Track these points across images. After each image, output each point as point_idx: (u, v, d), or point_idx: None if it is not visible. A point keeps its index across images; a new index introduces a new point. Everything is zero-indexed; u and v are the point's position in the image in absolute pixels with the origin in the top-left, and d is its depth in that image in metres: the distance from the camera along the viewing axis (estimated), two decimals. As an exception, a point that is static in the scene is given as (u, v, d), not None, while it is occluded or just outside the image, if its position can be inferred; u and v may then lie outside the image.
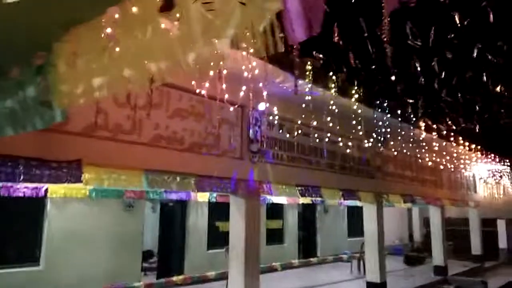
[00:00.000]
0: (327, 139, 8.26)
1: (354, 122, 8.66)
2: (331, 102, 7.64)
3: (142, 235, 11.26)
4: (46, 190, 9.27)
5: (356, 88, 8.01)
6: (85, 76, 1.56)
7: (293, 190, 8.12)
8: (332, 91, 7.53)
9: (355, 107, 8.28)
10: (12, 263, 8.92)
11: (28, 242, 9.35)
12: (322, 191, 8.84)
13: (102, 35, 1.47)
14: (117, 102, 5.60)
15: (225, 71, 5.38)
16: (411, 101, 8.78)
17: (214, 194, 11.63)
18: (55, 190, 9.41)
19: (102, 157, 5.35)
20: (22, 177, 4.57)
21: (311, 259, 15.84)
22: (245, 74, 5.71)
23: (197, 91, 5.27)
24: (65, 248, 9.58)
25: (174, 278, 11.19)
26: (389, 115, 9.17)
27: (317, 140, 8.25)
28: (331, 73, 7.42)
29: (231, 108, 6.37)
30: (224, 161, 6.96)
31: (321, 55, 6.54)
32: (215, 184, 6.73)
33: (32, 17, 1.51)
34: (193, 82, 5.27)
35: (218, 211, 12.50)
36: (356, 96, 8.14)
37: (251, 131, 7.40)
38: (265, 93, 5.98)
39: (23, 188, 8.98)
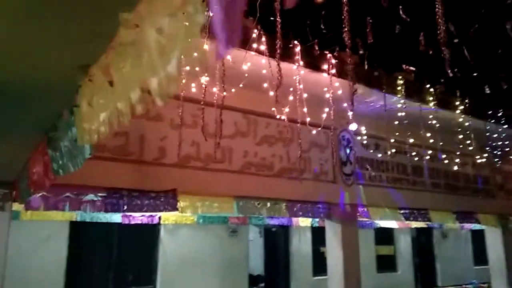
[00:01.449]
0: (428, 157, 7.58)
1: (461, 136, 7.81)
2: (431, 116, 7.03)
3: (247, 259, 11.50)
4: (159, 218, 10.15)
5: (460, 99, 7.25)
6: (97, 112, 1.72)
7: (395, 213, 7.57)
8: (431, 104, 6.94)
9: (460, 119, 7.49)
10: (131, 286, 9.83)
11: (146, 266, 10.24)
12: (431, 214, 8.07)
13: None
14: (207, 133, 5.94)
15: (305, 95, 5.40)
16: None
17: (316, 219, 11.43)
18: (167, 217, 10.24)
19: (195, 185, 5.69)
20: (125, 207, 5.09)
21: (430, 288, 14.37)
22: (328, 95, 5.64)
23: (283, 117, 5.34)
24: (177, 272, 10.25)
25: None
26: (505, 126, 8.07)
27: (419, 159, 7.62)
28: (427, 86, 6.85)
29: (317, 131, 6.31)
30: (316, 185, 6.83)
31: (411, 68, 6.11)
32: (308, 209, 6.63)
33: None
34: (278, 109, 5.36)
35: (322, 236, 12.20)
36: (461, 107, 7.36)
37: (342, 152, 7.17)
38: (350, 113, 5.80)
39: (140, 217, 9.96)
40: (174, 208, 5.37)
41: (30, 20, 1.42)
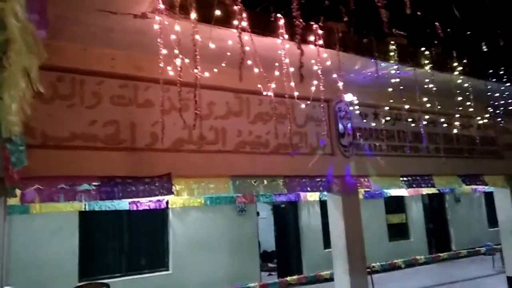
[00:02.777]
0: (427, 122, 7.44)
1: (461, 98, 7.62)
2: (427, 80, 6.85)
3: (257, 237, 11.64)
4: (167, 202, 10.29)
5: (457, 59, 7.03)
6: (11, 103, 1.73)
7: (397, 181, 7.51)
8: (427, 67, 6.76)
9: (459, 81, 7.29)
10: (146, 269, 10.08)
11: (157, 250, 10.45)
12: (435, 179, 7.99)
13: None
14: (200, 115, 5.91)
15: (292, 69, 5.30)
16: (535, 63, 7.37)
17: (325, 193, 11.45)
18: (175, 201, 10.38)
19: (190, 168, 5.70)
20: (120, 194, 5.14)
21: (443, 254, 14.38)
22: (316, 67, 5.54)
23: (270, 93, 5.27)
24: (188, 253, 10.46)
25: (288, 278, 11.30)
26: (507, 84, 7.83)
27: (419, 124, 7.49)
28: (422, 49, 6.65)
29: (313, 105, 6.23)
30: (314, 159, 6.78)
31: (401, 32, 5.92)
32: (306, 184, 6.61)
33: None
34: (265, 86, 5.30)
35: (331, 209, 12.23)
36: (460, 68, 7.15)
37: (340, 124, 7.09)
38: (341, 84, 5.71)
39: (147, 202, 10.11)
40: (170, 192, 5.40)
41: None
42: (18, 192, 4.49)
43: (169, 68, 4.45)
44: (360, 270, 6.90)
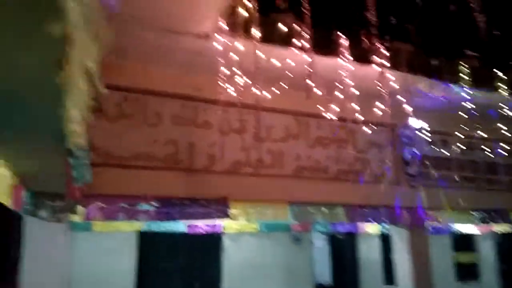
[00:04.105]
0: (504, 151, 6.77)
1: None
2: (503, 105, 6.28)
3: (312, 268, 11.14)
4: (223, 227, 10.21)
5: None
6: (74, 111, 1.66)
7: (469, 216, 6.84)
8: (503, 92, 6.20)
9: (542, 107, 6.60)
10: (198, 294, 9.93)
11: (211, 274, 10.30)
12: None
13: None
14: (257, 138, 5.82)
15: (355, 90, 5.08)
16: None
17: (385, 225, 10.80)
18: (230, 226, 10.27)
19: (247, 192, 5.58)
20: (177, 216, 5.12)
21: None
22: (380, 89, 5.26)
23: (334, 116, 5.09)
24: (241, 279, 10.19)
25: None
26: None
27: (494, 154, 6.84)
28: (497, 71, 6.12)
29: (375, 129, 5.92)
30: (377, 188, 6.37)
31: (475, 53, 5.50)
32: (368, 214, 6.21)
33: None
34: (327, 108, 5.12)
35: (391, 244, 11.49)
36: (543, 93, 6.48)
37: (405, 151, 6.65)
38: (408, 107, 5.36)
39: (204, 226, 10.10)
40: (226, 215, 5.30)
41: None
42: (81, 209, 4.60)
43: (228, 88, 4.41)
44: (428, 312, 6.27)
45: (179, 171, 5.26)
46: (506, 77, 6.14)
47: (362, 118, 5.18)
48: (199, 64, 5.10)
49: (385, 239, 11.65)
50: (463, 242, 13.07)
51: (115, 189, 4.90)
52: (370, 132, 6.01)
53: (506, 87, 6.14)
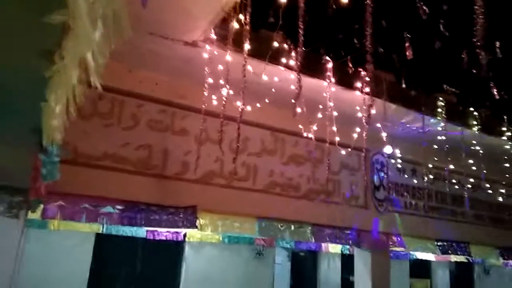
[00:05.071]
0: (470, 186, 7.01)
1: (508, 165, 7.19)
2: (474, 142, 6.51)
3: (273, 283, 11.07)
4: (184, 235, 9.99)
5: (507, 124, 6.69)
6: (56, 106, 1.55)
7: (432, 245, 7.00)
8: (474, 129, 6.43)
9: (507, 147, 6.90)
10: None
11: (168, 282, 10.03)
12: (471, 248, 7.43)
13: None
14: (232, 149, 5.73)
15: (336, 113, 5.11)
16: None
17: (347, 246, 10.90)
18: (192, 234, 10.05)
19: (217, 203, 5.48)
20: (143, 222, 4.93)
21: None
22: (360, 115, 5.32)
23: (311, 136, 5.10)
24: (200, 291, 9.98)
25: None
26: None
27: (461, 187, 7.06)
28: (471, 108, 6.37)
29: (349, 153, 5.97)
30: (346, 210, 6.44)
31: (453, 89, 5.69)
32: (335, 235, 6.24)
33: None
34: (306, 127, 5.12)
35: (352, 264, 11.60)
36: (509, 134, 6.78)
37: (375, 177, 6.76)
38: (384, 135, 5.45)
39: (165, 233, 9.84)
40: (193, 225, 5.17)
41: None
42: (40, 207, 4.35)
43: (212, 98, 4.34)
44: (384, 338, 6.33)
45: (150, 176, 5.10)
46: (478, 115, 6.39)
47: (338, 140, 5.21)
48: (184, 71, 4.99)
49: (346, 260, 11.78)
50: (419, 268, 13.40)
51: (80, 189, 4.68)
52: (344, 154, 6.06)
53: (477, 125, 6.38)
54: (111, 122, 4.90)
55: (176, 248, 10.30)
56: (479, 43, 3.10)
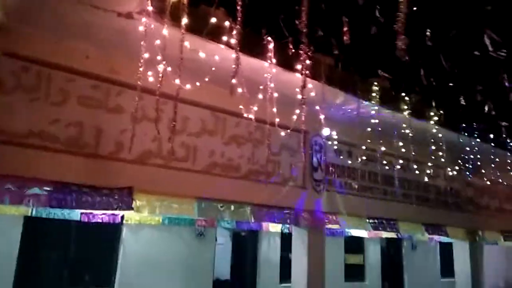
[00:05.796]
0: (402, 166, 7.44)
1: (435, 147, 7.70)
2: (404, 125, 6.88)
3: (213, 263, 11.14)
4: (122, 217, 9.68)
5: (434, 109, 7.13)
6: None
7: (364, 222, 7.38)
8: (405, 113, 6.79)
9: (434, 130, 7.37)
10: (90, 286, 9.32)
11: (105, 266, 9.74)
12: (400, 225, 7.93)
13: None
14: (171, 128, 5.58)
15: (276, 95, 5.13)
16: (505, 123, 7.57)
17: (287, 225, 11.19)
18: (131, 217, 9.78)
19: (155, 184, 5.33)
20: (74, 204, 4.68)
21: (396, 300, 14.33)
22: (300, 96, 5.39)
23: (251, 116, 5.08)
24: (138, 273, 9.79)
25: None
26: (478, 140, 8.01)
27: (391, 168, 7.46)
28: (403, 94, 6.70)
29: (289, 134, 6.05)
30: (285, 190, 6.56)
31: (387, 74, 5.93)
32: (274, 214, 6.35)
33: None
34: (246, 108, 5.09)
35: (291, 243, 11.97)
36: (436, 118, 7.24)
37: (314, 158, 6.94)
38: (321, 116, 5.57)
39: (101, 215, 9.48)
40: (129, 207, 4.99)
41: None
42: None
43: (147, 74, 4.16)
44: (318, 310, 6.63)
45: (82, 156, 4.84)
46: (409, 100, 6.74)
47: (279, 121, 5.26)
48: (118, 44, 4.72)
49: (286, 238, 12.12)
50: (353, 245, 14.15)
51: (3, 169, 4.33)
52: (284, 136, 6.14)
53: (408, 109, 6.73)
54: (38, 96, 4.55)
55: (113, 230, 9.99)
56: (400, 29, 3.23)
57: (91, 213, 9.15)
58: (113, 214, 9.49)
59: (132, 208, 5.03)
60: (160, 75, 3.85)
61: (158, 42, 3.99)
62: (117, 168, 5.03)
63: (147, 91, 4.42)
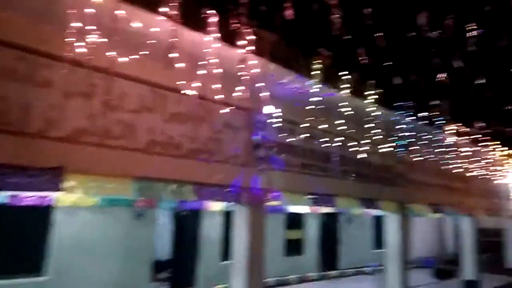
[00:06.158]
0: (340, 144, 7.67)
1: (370, 125, 8.02)
2: (344, 103, 7.06)
3: (152, 244, 10.94)
4: (55, 199, 9.11)
5: (371, 88, 7.39)
6: None
7: (304, 199, 7.56)
8: (345, 91, 6.96)
9: (370, 109, 7.66)
10: (18, 273, 8.75)
11: (35, 252, 9.18)
12: (337, 200, 8.24)
13: None
14: (107, 105, 5.25)
15: (220, 70, 5.01)
16: (435, 102, 8.05)
17: (230, 203, 11.21)
18: (64, 198, 9.24)
19: (88, 164, 5.01)
20: (-3, 185, 4.28)
21: (331, 271, 15.09)
22: (241, 73, 5.31)
23: (194, 93, 4.92)
24: (72, 258, 9.36)
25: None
26: (411, 118, 8.47)
27: (330, 145, 7.67)
28: (343, 72, 6.85)
29: (232, 111, 5.97)
30: (227, 168, 6.50)
31: (327, 52, 6.01)
32: (216, 193, 6.29)
33: None
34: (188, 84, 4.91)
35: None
36: (373, 97, 7.52)
37: (256, 135, 6.92)
38: (264, 94, 5.54)
39: (30, 197, 8.85)
40: (58, 188, 4.66)
41: None
42: None
43: (79, 45, 3.83)
44: (258, 285, 6.74)
45: (6, 133, 4.39)
46: (349, 79, 6.91)
47: (221, 98, 5.15)
48: (46, 13, 4.27)
49: (227, 217, 12.17)
50: (293, 221, 14.59)
51: None
52: (227, 113, 6.05)
53: (347, 88, 6.91)
54: (-50, 68, 4.03)
55: (45, 214, 9.40)
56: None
57: (18, 195, 8.53)
58: (44, 196, 8.91)
59: (61, 190, 4.69)
60: (93, 46, 3.55)
61: (89, 10, 3.67)
62: (46, 146, 4.64)
63: (79, 64, 4.10)
